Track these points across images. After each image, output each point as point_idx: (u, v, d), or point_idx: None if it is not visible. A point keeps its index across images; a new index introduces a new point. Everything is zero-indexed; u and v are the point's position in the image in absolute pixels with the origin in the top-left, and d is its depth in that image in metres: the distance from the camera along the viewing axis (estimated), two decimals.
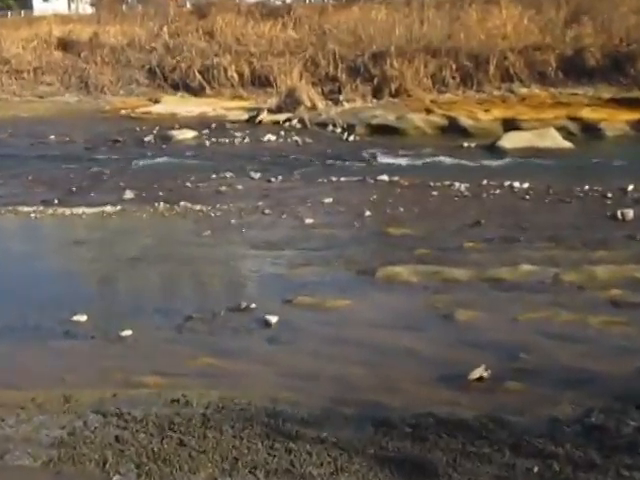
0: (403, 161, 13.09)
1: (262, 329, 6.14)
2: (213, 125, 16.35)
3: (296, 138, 15.05)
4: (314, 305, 6.61)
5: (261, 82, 19.99)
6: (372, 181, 11.44)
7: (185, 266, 7.85)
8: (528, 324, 6.07)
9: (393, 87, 18.54)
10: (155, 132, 15.73)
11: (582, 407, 4.64)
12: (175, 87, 20.79)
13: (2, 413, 4.76)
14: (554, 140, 13.93)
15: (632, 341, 5.64)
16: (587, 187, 10.37)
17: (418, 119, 15.95)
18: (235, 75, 20.18)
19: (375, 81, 18.88)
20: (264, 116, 16.96)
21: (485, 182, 10.91)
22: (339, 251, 8.16)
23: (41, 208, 10.12)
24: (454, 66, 18.74)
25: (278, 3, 25.04)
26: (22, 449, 4.36)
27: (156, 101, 19.84)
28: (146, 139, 15.20)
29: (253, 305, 6.54)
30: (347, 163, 12.95)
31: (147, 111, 18.77)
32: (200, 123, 16.66)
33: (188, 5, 26.70)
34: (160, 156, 13.77)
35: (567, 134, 14.44)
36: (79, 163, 13.30)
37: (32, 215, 9.86)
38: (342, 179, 11.61)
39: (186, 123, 16.67)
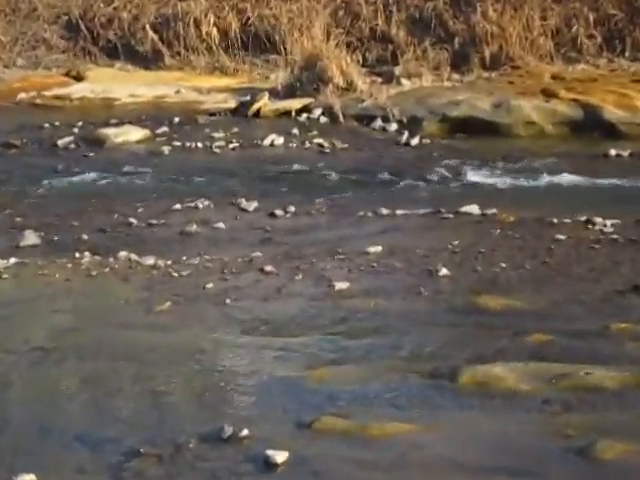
0: (505, 181, 13.15)
1: (261, 473, 6.14)
2: (176, 119, 16.52)
3: (319, 141, 15.17)
4: (350, 432, 6.61)
5: (259, 45, 20.17)
6: (451, 216, 11.52)
7: (127, 364, 7.87)
8: None
9: (487, 53, 18.66)
10: (77, 131, 15.91)
11: None
12: (111, 53, 20.99)
13: None
14: None
15: None
16: None
17: (531, 109, 16.02)
18: (215, 33, 20.35)
19: (456, 42, 19.02)
20: (264, 103, 17.08)
21: None
22: (394, 339, 8.18)
23: None
24: (592, 17, 18.85)
25: None
26: None
27: (79, 77, 20.01)
28: (61, 142, 15.38)
29: (245, 432, 6.55)
30: (408, 184, 13.01)
31: (63, 94, 18.95)
32: (154, 115, 16.81)
33: None
34: (85, 172, 13.90)
35: None
36: None
37: None
38: (399, 212, 11.69)
39: (130, 115, 16.84)
